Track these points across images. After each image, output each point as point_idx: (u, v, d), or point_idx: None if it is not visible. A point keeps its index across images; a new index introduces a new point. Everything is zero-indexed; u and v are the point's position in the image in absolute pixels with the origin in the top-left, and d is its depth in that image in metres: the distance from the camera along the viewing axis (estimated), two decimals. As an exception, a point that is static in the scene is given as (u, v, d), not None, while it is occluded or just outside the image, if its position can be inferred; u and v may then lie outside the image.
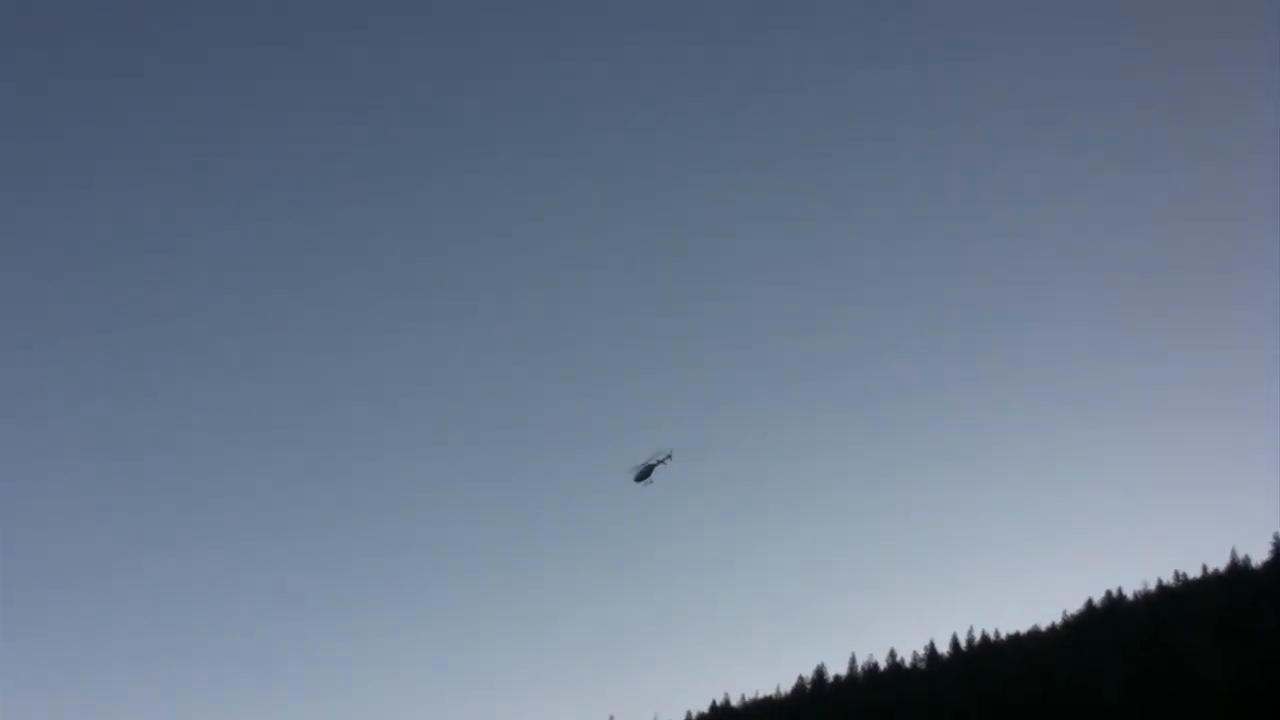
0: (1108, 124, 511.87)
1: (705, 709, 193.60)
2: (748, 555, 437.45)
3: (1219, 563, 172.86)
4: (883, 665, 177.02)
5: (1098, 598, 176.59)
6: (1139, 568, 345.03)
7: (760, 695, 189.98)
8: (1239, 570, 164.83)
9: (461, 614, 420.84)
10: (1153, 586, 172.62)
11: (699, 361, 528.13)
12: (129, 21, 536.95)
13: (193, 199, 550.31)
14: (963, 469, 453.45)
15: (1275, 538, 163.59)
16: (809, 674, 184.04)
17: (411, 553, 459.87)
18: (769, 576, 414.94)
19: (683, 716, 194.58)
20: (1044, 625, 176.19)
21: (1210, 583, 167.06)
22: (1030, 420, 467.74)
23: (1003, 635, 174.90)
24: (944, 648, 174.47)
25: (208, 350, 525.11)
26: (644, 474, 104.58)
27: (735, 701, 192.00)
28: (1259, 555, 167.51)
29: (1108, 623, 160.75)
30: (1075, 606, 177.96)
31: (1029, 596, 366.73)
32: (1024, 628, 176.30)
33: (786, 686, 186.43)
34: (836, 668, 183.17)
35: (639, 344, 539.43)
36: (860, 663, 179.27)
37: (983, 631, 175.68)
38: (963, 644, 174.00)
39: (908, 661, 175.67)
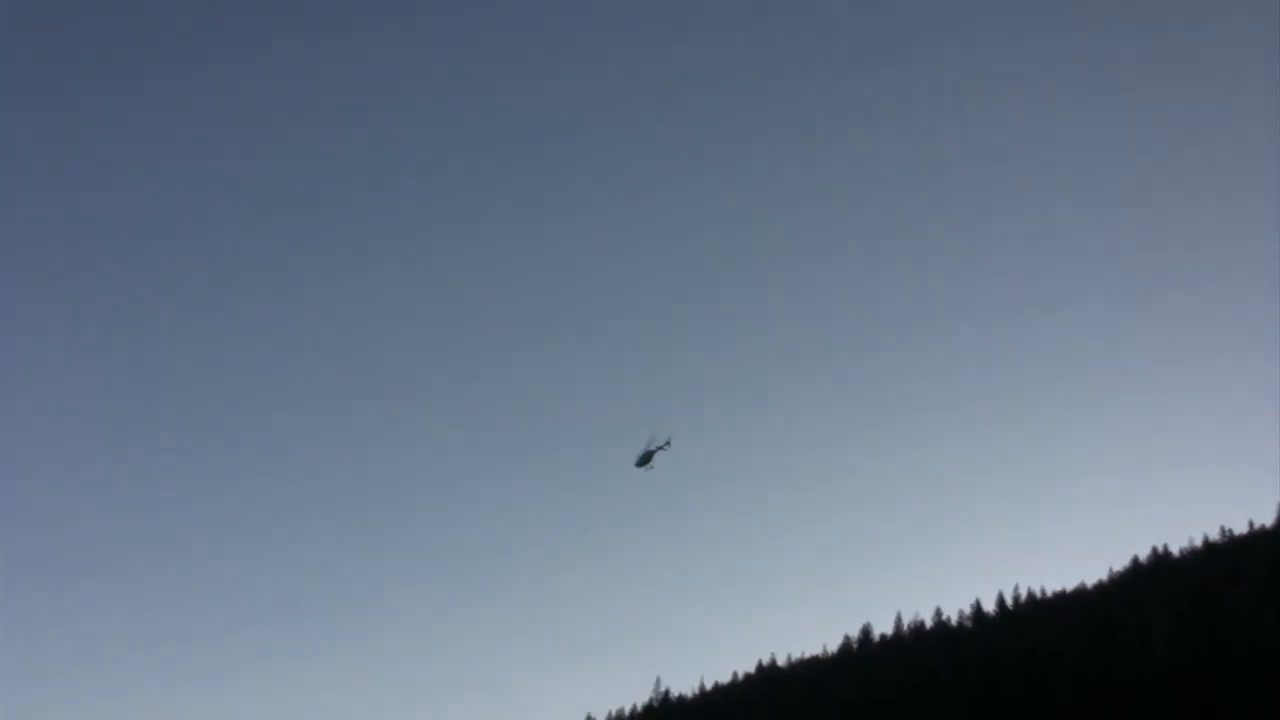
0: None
1: (752, 670, 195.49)
2: (794, 517, 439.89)
3: (1266, 519, 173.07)
4: (929, 624, 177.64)
5: (1144, 555, 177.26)
6: (1185, 525, 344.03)
7: (806, 655, 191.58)
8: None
9: (519, 582, 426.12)
10: (1199, 543, 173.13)
11: (732, 335, 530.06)
12: (129, 21, 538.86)
13: (192, 199, 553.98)
14: (1007, 428, 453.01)
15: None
16: (855, 634, 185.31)
17: (463, 524, 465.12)
18: (815, 538, 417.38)
19: (729, 677, 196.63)
20: (1090, 583, 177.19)
21: (1257, 539, 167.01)
22: (1075, 378, 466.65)
23: (1049, 593, 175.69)
24: (990, 606, 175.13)
25: (206, 348, 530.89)
26: (644, 459, 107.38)
27: (781, 662, 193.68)
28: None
29: (1155, 580, 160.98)
30: (1121, 564, 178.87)
31: (1075, 554, 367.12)
32: (1070, 585, 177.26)
33: (833, 646, 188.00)
34: (882, 627, 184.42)
35: (639, 333, 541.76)
36: (906, 622, 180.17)
37: (1029, 589, 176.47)
38: (1009, 602, 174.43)
39: (954, 620, 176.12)
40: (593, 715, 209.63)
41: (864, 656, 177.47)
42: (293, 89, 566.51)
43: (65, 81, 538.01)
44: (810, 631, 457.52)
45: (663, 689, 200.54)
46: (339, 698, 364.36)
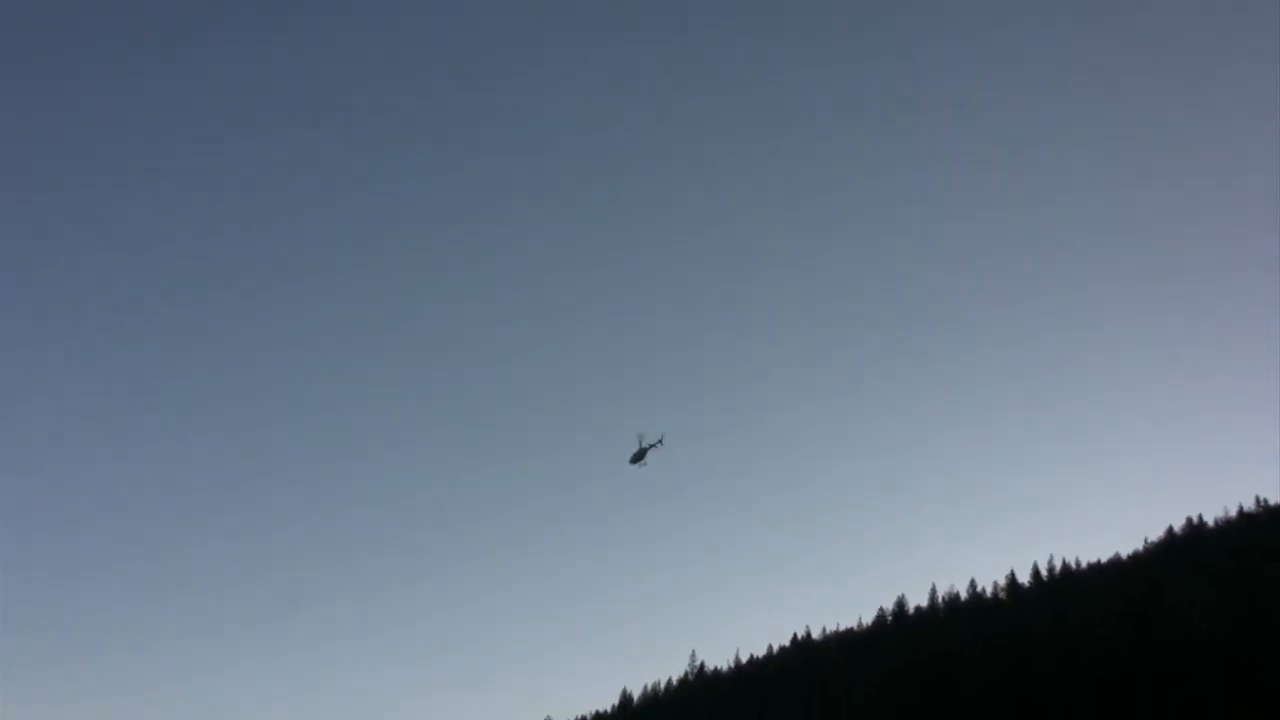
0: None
1: (787, 642, 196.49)
2: (827, 490, 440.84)
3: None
4: (964, 596, 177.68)
5: (1179, 525, 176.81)
6: (1220, 495, 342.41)
7: (841, 628, 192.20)
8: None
9: (559, 564, 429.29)
10: (1234, 513, 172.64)
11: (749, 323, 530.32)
12: (127, 21, 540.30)
13: (192, 199, 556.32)
14: (1042, 399, 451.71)
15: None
16: (890, 606, 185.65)
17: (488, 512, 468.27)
18: (850, 511, 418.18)
19: (764, 650, 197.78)
20: (1126, 554, 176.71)
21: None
22: (1110, 349, 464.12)
23: (1084, 564, 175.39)
24: (1025, 578, 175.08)
25: (205, 348, 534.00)
26: (638, 456, 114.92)
27: (816, 634, 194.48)
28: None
29: (1192, 550, 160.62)
30: (1157, 534, 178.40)
31: (1110, 525, 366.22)
32: (1105, 556, 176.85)
33: (868, 619, 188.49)
34: (917, 599, 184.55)
35: (630, 333, 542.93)
36: (941, 593, 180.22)
37: (1063, 560, 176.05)
38: (1044, 574, 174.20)
39: (989, 592, 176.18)
40: (629, 690, 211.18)
41: (899, 628, 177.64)
42: (292, 89, 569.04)
43: (64, 81, 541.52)
44: (845, 604, 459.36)
45: (698, 662, 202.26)
46: (368, 681, 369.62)
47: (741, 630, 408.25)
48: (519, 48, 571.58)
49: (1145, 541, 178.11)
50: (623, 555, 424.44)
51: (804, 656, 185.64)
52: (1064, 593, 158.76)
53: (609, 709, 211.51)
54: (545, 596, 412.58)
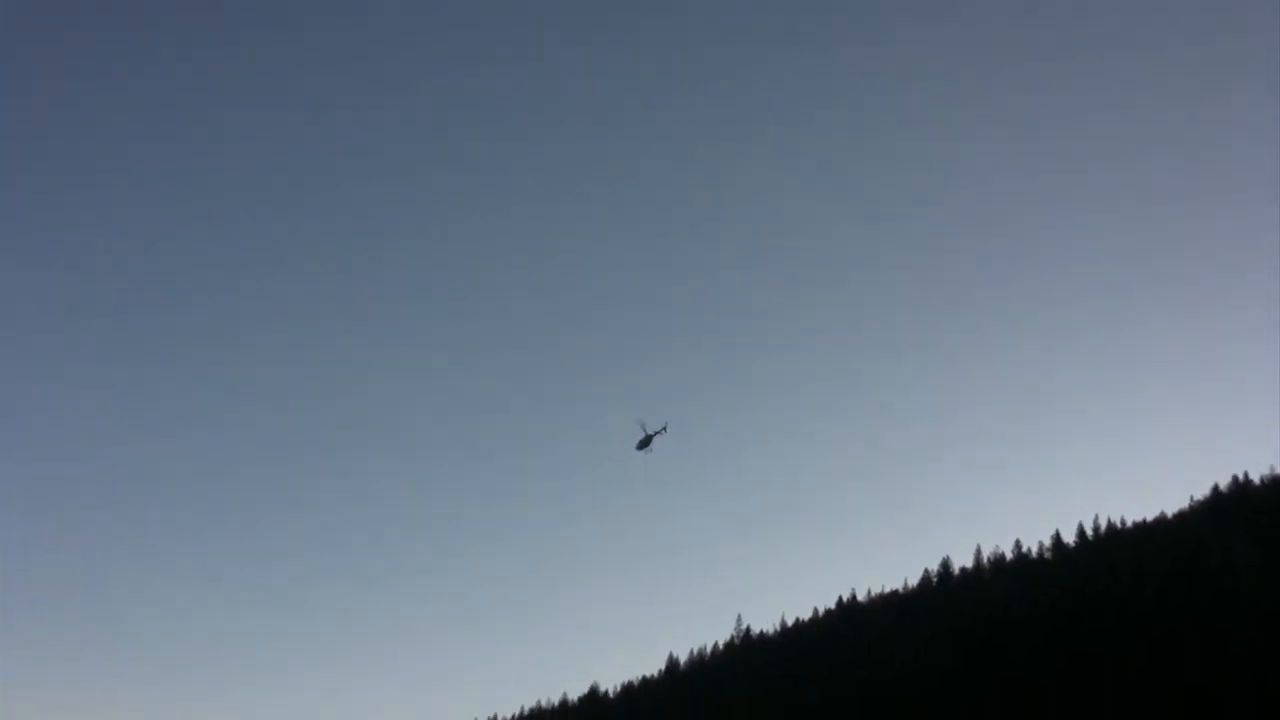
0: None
1: (832, 605, 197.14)
2: (871, 453, 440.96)
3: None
4: (1009, 556, 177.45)
5: (1224, 484, 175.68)
6: (1265, 453, 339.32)
7: (887, 590, 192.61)
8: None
9: (598, 527, 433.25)
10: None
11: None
12: (127, 21, 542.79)
13: (193, 199, 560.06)
14: (1083, 360, 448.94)
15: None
16: (934, 567, 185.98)
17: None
18: (894, 474, 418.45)
19: (810, 613, 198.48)
20: (1171, 512, 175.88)
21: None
22: (1147, 308, 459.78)
23: (1129, 523, 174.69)
24: (1070, 537, 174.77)
25: (204, 347, 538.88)
26: (644, 443, 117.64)
27: (862, 597, 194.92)
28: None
29: (1237, 507, 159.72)
30: (1202, 493, 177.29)
31: (1155, 484, 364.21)
32: (1151, 515, 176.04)
33: (913, 580, 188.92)
34: (962, 560, 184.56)
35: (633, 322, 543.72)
36: (986, 554, 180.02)
37: (1108, 519, 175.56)
38: (1089, 533, 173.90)
39: (1034, 552, 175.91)
40: (675, 654, 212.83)
41: (944, 590, 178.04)
42: (290, 87, 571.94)
43: (64, 81, 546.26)
44: (890, 567, 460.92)
45: (744, 626, 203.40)
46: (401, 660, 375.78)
47: (787, 594, 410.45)
48: (519, 44, 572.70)
49: (1191, 500, 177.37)
50: (668, 522, 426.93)
51: (849, 619, 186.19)
52: (1110, 552, 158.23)
53: (655, 674, 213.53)
54: (591, 564, 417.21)
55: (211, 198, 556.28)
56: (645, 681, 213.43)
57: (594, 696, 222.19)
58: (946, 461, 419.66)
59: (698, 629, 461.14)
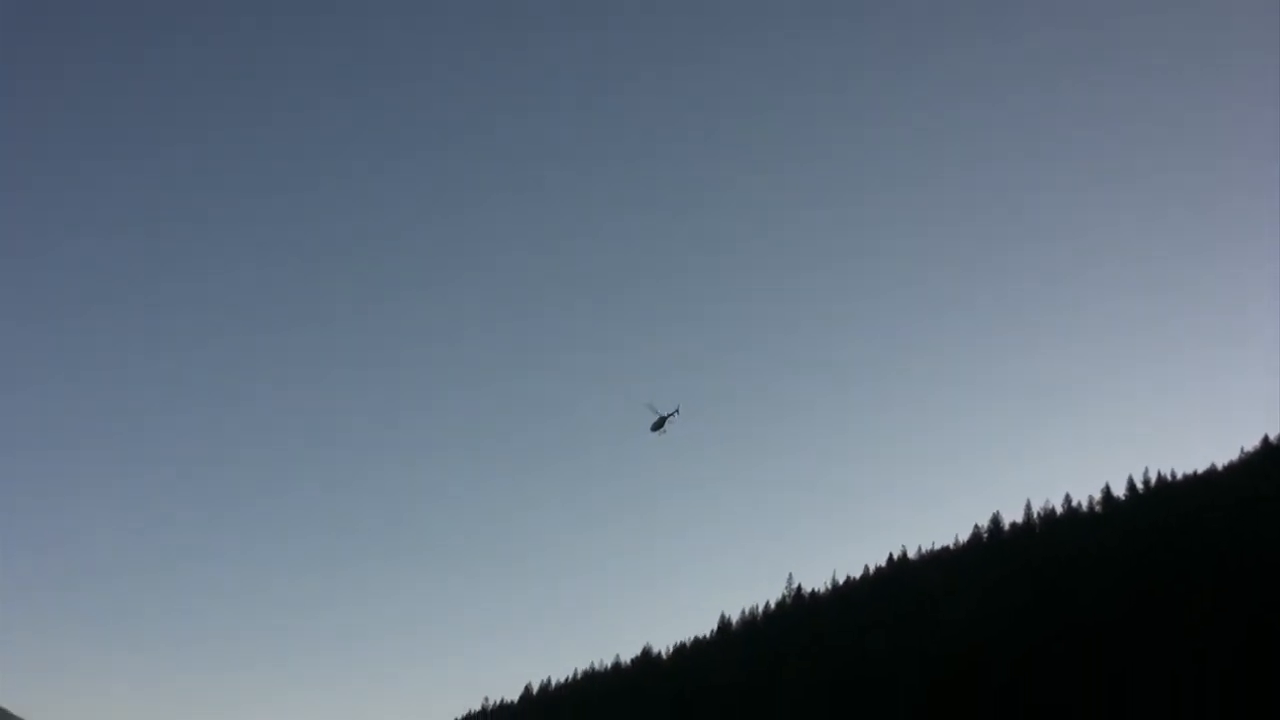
0: None
1: (883, 563, 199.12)
2: (920, 410, 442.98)
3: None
4: (1059, 510, 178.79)
5: (1275, 434, 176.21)
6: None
7: (936, 547, 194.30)
8: None
9: (648, 488, 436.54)
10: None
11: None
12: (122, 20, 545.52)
13: (195, 203, 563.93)
14: (1127, 315, 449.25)
15: None
16: (984, 523, 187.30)
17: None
18: (943, 430, 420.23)
19: (860, 571, 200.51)
20: (1221, 464, 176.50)
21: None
22: (1185, 263, 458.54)
23: (1179, 475, 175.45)
24: (1120, 490, 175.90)
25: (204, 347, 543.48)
26: (658, 424, 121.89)
27: (912, 554, 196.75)
28: None
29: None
30: (1252, 444, 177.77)
31: (1205, 435, 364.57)
32: (1201, 466, 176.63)
33: (963, 536, 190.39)
34: (1012, 515, 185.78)
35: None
36: (1036, 509, 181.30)
37: (1159, 472, 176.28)
38: (1139, 485, 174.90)
39: (1084, 506, 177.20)
40: (727, 614, 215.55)
41: (994, 545, 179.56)
42: (291, 88, 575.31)
43: (65, 82, 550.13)
44: (940, 523, 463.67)
45: (795, 585, 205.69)
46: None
47: (838, 552, 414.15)
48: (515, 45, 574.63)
49: (1241, 451, 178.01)
50: (719, 485, 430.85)
51: (901, 576, 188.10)
52: (1161, 504, 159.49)
53: (707, 634, 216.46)
54: (642, 528, 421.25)
55: (213, 199, 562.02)
56: (698, 641, 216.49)
57: (646, 657, 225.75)
58: (995, 416, 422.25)
59: (749, 589, 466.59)
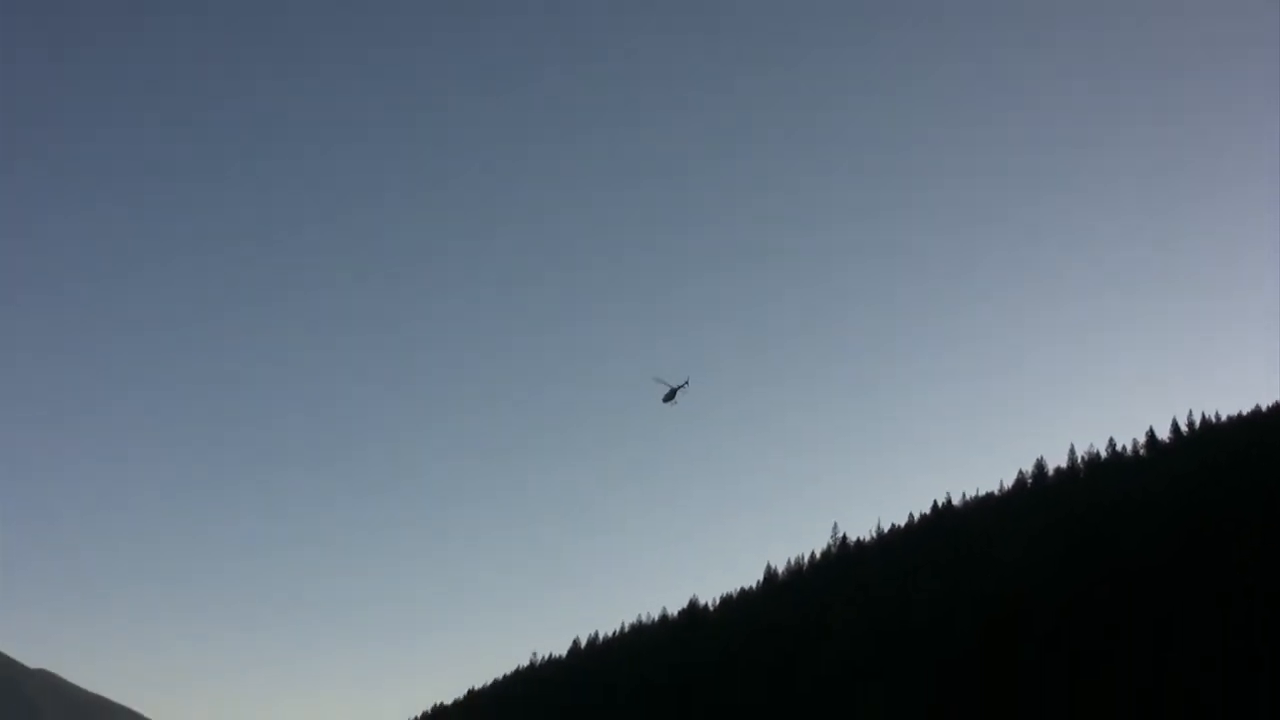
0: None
1: (927, 510, 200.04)
2: (962, 358, 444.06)
3: None
4: (1103, 454, 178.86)
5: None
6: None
7: (981, 493, 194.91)
8: None
9: (697, 443, 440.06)
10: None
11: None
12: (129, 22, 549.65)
13: (196, 201, 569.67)
14: (1164, 260, 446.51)
15: None
16: (1029, 468, 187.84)
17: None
18: (984, 376, 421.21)
19: (906, 518, 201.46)
20: (1266, 405, 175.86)
21: None
22: (1229, 211, 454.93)
23: (1223, 417, 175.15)
24: (1164, 434, 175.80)
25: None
26: (669, 396, 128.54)
27: (957, 501, 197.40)
28: None
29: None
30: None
31: (1247, 377, 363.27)
32: (1246, 409, 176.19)
33: (1008, 482, 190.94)
34: (1056, 460, 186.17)
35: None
36: (1080, 453, 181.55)
37: (1202, 414, 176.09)
38: (1183, 428, 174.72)
39: (1128, 449, 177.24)
40: (773, 565, 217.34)
41: (1039, 490, 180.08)
42: (296, 100, 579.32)
43: (66, 86, 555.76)
44: (985, 468, 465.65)
45: (840, 534, 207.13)
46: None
47: (882, 500, 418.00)
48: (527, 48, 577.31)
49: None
50: (762, 438, 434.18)
51: (946, 523, 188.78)
52: (1206, 445, 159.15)
53: (754, 585, 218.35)
54: (690, 481, 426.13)
55: (216, 203, 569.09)
56: (744, 593, 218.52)
57: (693, 609, 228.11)
58: (1037, 362, 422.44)
59: (794, 539, 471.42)
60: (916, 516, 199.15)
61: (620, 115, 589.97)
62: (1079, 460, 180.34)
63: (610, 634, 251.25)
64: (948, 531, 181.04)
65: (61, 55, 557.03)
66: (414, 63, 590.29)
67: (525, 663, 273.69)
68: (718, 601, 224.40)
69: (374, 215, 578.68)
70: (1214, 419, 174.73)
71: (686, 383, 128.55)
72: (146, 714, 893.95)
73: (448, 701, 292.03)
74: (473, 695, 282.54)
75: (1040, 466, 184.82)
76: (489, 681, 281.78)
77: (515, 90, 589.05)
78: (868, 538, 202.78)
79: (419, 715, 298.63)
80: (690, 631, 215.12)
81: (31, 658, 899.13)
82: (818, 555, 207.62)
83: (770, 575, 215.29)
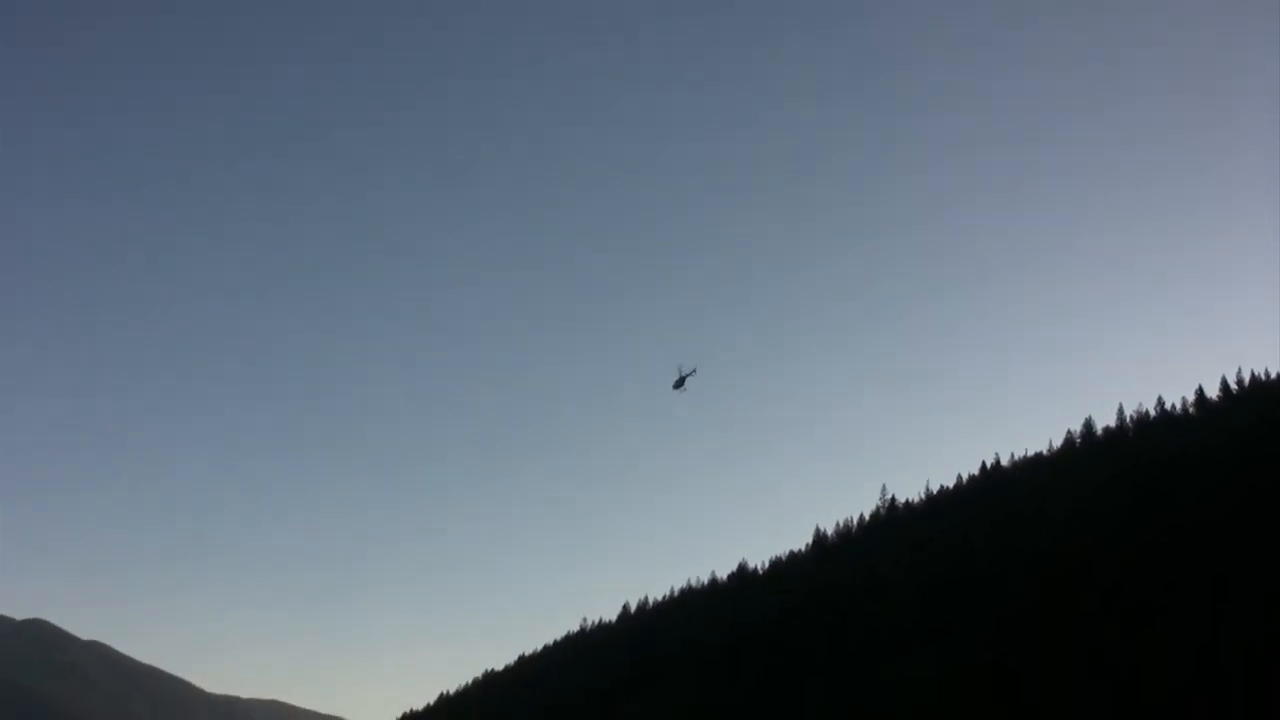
0: None
1: (976, 471, 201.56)
2: (1012, 323, 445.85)
3: None
4: (1152, 413, 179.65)
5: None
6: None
7: (1030, 453, 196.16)
8: None
9: (747, 409, 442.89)
10: None
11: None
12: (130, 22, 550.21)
13: (201, 207, 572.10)
14: (1206, 219, 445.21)
15: None
16: (1077, 428, 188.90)
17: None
18: (1034, 340, 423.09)
19: (954, 479, 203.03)
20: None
21: None
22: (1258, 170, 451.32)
23: (1273, 374, 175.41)
24: (1213, 392, 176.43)
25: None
26: (679, 383, 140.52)
27: (1005, 461, 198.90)
28: None
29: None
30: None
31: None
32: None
33: (1057, 442, 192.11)
34: (1104, 419, 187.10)
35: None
36: (1129, 413, 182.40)
37: (1251, 371, 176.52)
38: (1232, 385, 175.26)
39: (1177, 408, 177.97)
40: (822, 528, 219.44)
41: (1088, 450, 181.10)
42: (291, 99, 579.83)
43: (66, 94, 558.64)
44: (1033, 428, 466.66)
45: (889, 496, 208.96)
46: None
47: (931, 462, 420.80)
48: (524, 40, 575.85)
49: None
50: (808, 402, 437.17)
51: (994, 484, 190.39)
52: (1260, 402, 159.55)
53: (803, 548, 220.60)
54: (736, 446, 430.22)
55: (218, 203, 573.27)
56: (793, 556, 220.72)
57: (742, 573, 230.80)
58: (1086, 324, 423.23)
59: (843, 502, 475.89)
60: (965, 478, 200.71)
61: (613, 112, 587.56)
62: (1128, 420, 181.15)
63: (660, 598, 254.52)
64: (1000, 489, 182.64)
65: (62, 41, 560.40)
66: (426, 48, 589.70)
67: (575, 628, 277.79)
68: (767, 564, 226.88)
69: (376, 209, 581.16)
70: (1264, 376, 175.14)
71: (694, 371, 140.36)
72: (197, 683, 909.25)
73: (499, 668, 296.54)
74: (523, 661, 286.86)
75: (1089, 426, 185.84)
76: (539, 647, 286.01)
77: (518, 78, 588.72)
78: (917, 499, 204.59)
79: (470, 681, 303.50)
80: (740, 593, 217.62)
81: (84, 629, 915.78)
82: (867, 517, 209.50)
83: (820, 538, 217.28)
